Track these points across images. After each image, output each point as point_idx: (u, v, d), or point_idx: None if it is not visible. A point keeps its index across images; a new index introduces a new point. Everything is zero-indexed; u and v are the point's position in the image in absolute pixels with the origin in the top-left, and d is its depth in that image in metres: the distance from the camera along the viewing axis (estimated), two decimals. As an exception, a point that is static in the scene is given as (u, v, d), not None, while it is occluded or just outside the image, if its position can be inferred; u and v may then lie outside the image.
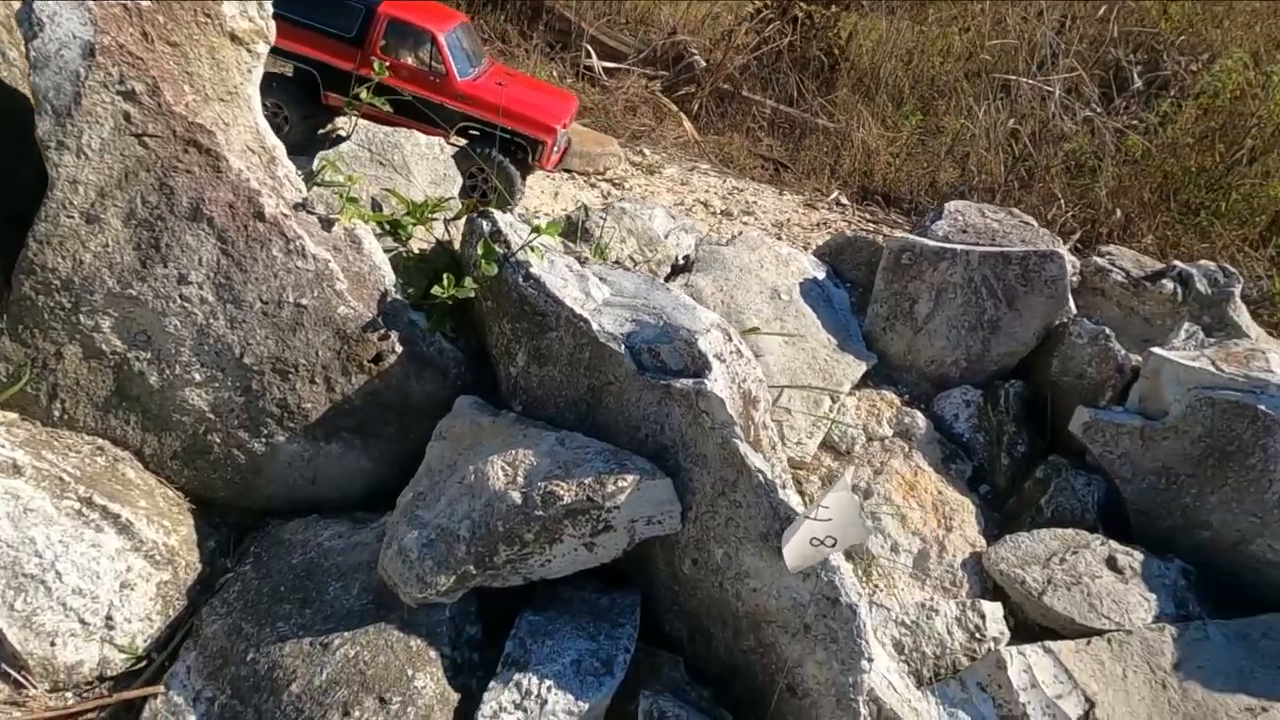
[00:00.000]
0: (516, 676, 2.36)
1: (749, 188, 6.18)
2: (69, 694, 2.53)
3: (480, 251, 2.90)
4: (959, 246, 3.61)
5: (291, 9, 4.74)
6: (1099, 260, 3.83)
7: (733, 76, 8.99)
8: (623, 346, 2.65)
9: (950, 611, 2.81)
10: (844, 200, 6.97)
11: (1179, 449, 3.18)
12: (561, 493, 2.40)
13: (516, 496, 2.43)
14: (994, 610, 2.85)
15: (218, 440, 2.84)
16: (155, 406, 2.75)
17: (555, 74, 8.68)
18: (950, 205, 4.05)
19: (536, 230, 2.94)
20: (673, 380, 2.54)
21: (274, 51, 5.13)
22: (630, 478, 2.42)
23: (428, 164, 3.43)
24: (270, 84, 4.60)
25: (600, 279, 3.01)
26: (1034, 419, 3.62)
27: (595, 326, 2.70)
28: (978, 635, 2.79)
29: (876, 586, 2.95)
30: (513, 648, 2.48)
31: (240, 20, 2.56)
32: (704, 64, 8.91)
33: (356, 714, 2.26)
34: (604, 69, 8.74)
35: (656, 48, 9.31)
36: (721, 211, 5.17)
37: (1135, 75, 8.46)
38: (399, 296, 2.95)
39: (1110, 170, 8.46)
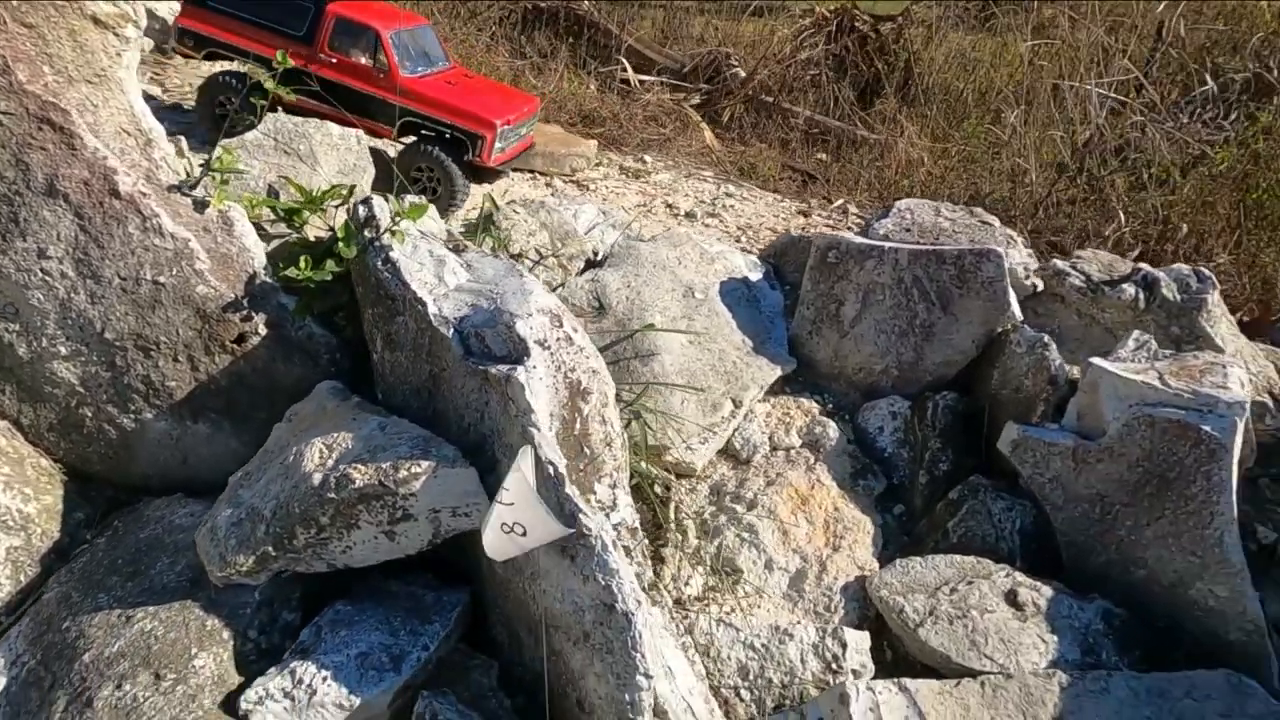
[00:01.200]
0: (295, 664, 2.27)
1: (741, 194, 5.93)
2: (-90, 650, 2.61)
3: (341, 234, 2.87)
4: (887, 244, 3.31)
5: (246, 9, 4.97)
6: (1058, 263, 3.43)
7: (769, 86, 8.76)
8: (452, 330, 2.55)
9: (807, 638, 2.53)
10: (852, 208, 6.61)
11: (1115, 474, 2.78)
12: (355, 476, 2.31)
13: (317, 478, 2.36)
14: (858, 640, 2.55)
15: (89, 414, 2.91)
16: (28, 378, 2.84)
17: (594, 87, 8.73)
18: (900, 203, 3.75)
19: (399, 214, 2.89)
20: (490, 366, 2.41)
21: (230, 50, 5.44)
22: (426, 464, 2.30)
23: (338, 154, 3.45)
24: (220, 80, 4.81)
25: (466, 265, 2.92)
26: (972, 435, 3.26)
27: (432, 310, 2.61)
28: (834, 666, 2.50)
29: (737, 605, 2.70)
30: (308, 635, 2.40)
31: (103, 4, 2.65)
32: (742, 75, 8.73)
33: (128, 687, 2.23)
34: (640, 81, 8.70)
35: (700, 59, 9.21)
36: (685, 213, 4.95)
37: (1208, 78, 7.68)
38: (269, 279, 2.96)
39: (1187, 184, 7.71)
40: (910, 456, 3.21)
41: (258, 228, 3.17)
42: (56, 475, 2.96)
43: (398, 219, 2.86)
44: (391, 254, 2.81)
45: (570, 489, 2.16)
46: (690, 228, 4.85)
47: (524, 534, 1.87)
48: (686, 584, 2.71)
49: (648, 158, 6.39)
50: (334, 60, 4.91)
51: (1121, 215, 7.24)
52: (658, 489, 2.85)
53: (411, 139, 4.97)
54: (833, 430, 3.21)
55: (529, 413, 2.26)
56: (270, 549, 2.38)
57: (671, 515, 2.80)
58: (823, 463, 3.12)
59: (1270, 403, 3.01)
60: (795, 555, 2.83)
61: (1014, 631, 2.54)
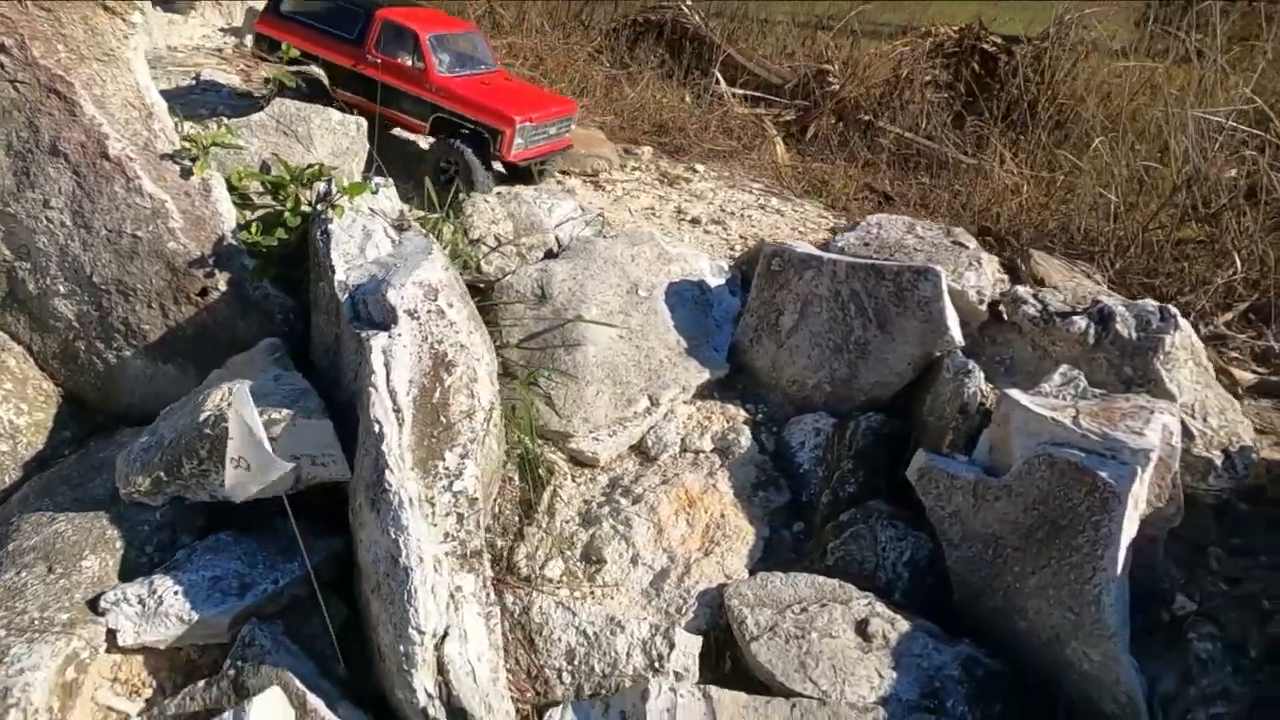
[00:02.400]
0: (156, 576, 2.54)
1: (776, 207, 5.79)
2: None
3: (289, 205, 3.16)
4: (826, 255, 3.22)
5: (310, 16, 5.53)
6: (1019, 290, 3.18)
7: (862, 104, 8.51)
8: (347, 295, 2.75)
9: (638, 633, 2.52)
10: (899, 230, 6.28)
11: (1011, 514, 2.57)
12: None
13: (204, 415, 2.63)
14: (688, 643, 2.51)
15: (82, 347, 3.35)
16: (36, 310, 3.32)
17: (688, 98, 8.84)
18: (871, 218, 3.62)
19: (343, 190, 3.13)
20: (363, 329, 2.59)
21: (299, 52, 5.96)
22: (286, 412, 2.51)
23: (333, 138, 3.77)
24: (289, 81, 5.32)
25: (398, 242, 3.12)
26: (896, 460, 3.10)
27: (339, 277, 2.83)
28: (657, 665, 2.47)
29: (589, 593, 2.72)
30: (182, 554, 2.66)
31: (111, -8, 3.07)
32: (837, 89, 8.54)
33: (25, 575, 2.57)
34: (733, 94, 8.71)
35: (800, 75, 9.10)
36: (691, 219, 4.90)
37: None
38: (235, 243, 3.29)
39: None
40: (825, 474, 3.10)
41: (246, 199, 3.54)
42: (55, 397, 3.43)
43: (339, 195, 3.11)
44: (329, 226, 3.06)
45: (387, 446, 2.29)
46: (684, 230, 4.83)
47: (249, 469, 2.02)
48: (544, 565, 2.76)
49: (699, 167, 6.41)
50: (379, 60, 5.36)
51: (1238, 260, 6.47)
52: (541, 471, 2.92)
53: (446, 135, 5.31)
54: (745, 439, 3.15)
55: (372, 374, 2.42)
56: (162, 474, 2.66)
57: (545, 498, 2.86)
58: (725, 469, 3.07)
59: (1218, 460, 2.66)
60: (664, 554, 2.81)
61: (850, 661, 2.41)
